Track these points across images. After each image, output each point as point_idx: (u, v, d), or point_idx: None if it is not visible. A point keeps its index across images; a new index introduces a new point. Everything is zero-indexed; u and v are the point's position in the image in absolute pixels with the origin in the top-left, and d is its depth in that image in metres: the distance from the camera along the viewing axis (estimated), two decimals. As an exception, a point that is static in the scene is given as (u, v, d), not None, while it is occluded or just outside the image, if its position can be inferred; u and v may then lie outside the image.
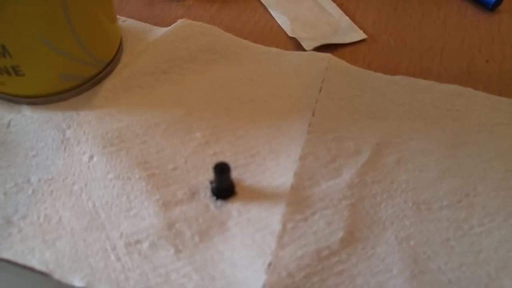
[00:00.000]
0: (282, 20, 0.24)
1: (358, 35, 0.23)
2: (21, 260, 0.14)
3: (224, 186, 0.16)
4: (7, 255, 0.14)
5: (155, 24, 0.23)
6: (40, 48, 0.17)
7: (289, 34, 0.23)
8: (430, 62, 0.22)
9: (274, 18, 0.24)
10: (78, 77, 0.19)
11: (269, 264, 0.14)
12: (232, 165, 0.17)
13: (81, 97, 0.19)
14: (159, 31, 0.22)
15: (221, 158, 0.17)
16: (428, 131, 0.18)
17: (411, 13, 0.25)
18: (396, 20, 0.25)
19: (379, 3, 0.26)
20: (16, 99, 0.19)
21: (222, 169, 0.15)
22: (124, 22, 0.23)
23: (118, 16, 0.22)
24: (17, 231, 0.15)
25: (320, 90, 0.20)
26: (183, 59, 0.21)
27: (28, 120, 0.18)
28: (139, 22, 0.23)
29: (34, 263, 0.14)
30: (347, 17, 0.24)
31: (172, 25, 0.22)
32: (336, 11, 0.25)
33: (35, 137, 0.18)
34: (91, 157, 0.17)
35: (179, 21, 0.22)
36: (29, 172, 0.17)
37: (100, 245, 0.15)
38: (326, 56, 0.21)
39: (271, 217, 0.15)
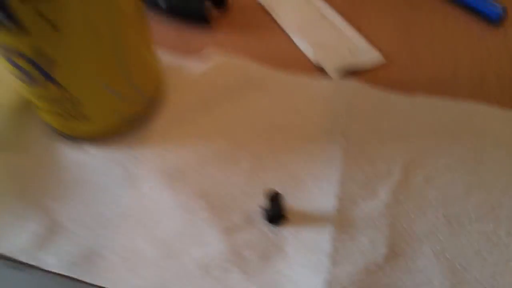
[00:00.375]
0: (304, 47, 0.26)
1: (376, 58, 0.25)
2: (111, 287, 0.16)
3: (276, 213, 0.18)
4: (99, 283, 0.16)
5: (185, 53, 0.25)
6: (101, 93, 0.19)
7: (313, 61, 0.25)
8: (444, 79, 0.24)
9: (295, 44, 0.26)
10: (132, 115, 0.21)
11: (328, 282, 0.16)
12: (280, 191, 0.19)
13: (137, 133, 0.21)
14: (196, 65, 0.24)
15: (269, 185, 0.19)
16: (451, 148, 0.20)
17: (422, 33, 0.27)
18: (410, 40, 0.27)
19: (392, 24, 0.28)
20: (83, 140, 0.21)
21: (275, 197, 0.17)
22: (160, 53, 0.25)
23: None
24: (102, 260, 0.17)
25: (347, 115, 0.22)
26: (223, 94, 0.23)
27: (95, 158, 0.20)
28: (173, 53, 0.25)
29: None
30: (364, 40, 0.26)
31: (210, 61, 0.24)
32: (353, 34, 0.27)
33: (103, 173, 0.20)
34: (154, 191, 0.19)
35: (214, 55, 0.24)
36: (102, 206, 0.19)
37: (176, 271, 0.17)
38: (350, 83, 0.23)
39: (322, 238, 0.17)
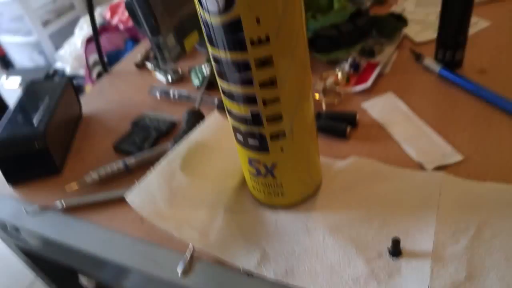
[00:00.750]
0: (410, 151, 0.40)
1: (458, 158, 0.38)
2: None
3: (396, 251, 0.31)
4: (297, 283, 0.31)
5: (331, 156, 0.40)
6: (296, 182, 0.35)
7: (415, 161, 0.39)
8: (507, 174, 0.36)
9: (403, 149, 0.40)
10: (309, 194, 0.36)
11: (429, 288, 0.28)
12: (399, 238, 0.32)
13: (310, 203, 0.36)
14: (339, 162, 0.39)
15: (392, 235, 0.33)
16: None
17: (493, 140, 0.39)
18: (483, 144, 0.39)
19: (469, 133, 0.40)
20: (278, 207, 0.37)
21: (396, 241, 0.31)
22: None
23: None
24: (295, 274, 0.32)
25: (439, 196, 0.35)
26: (358, 180, 0.37)
27: (286, 218, 0.36)
28: (325, 156, 0.41)
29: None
30: (449, 146, 0.39)
31: (349, 161, 0.39)
32: (438, 139, 0.40)
33: (291, 226, 0.35)
34: (323, 237, 0.34)
35: (352, 158, 0.40)
36: (292, 245, 0.34)
37: (338, 282, 0.30)
38: (441, 174, 0.36)
39: (424, 266, 0.30)
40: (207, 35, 0.26)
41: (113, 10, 2.15)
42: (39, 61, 2.74)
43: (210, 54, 0.28)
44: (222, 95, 0.30)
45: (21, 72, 2.59)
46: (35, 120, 0.46)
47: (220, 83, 0.29)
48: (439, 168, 0.37)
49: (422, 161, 0.38)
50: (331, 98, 0.48)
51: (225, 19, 0.24)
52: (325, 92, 0.49)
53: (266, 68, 0.26)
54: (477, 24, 0.55)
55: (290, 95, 0.29)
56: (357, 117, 0.43)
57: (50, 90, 0.51)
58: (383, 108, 0.45)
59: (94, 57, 2.03)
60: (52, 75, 2.49)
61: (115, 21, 2.12)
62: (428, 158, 0.38)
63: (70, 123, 0.52)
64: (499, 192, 0.34)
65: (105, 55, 2.08)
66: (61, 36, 2.64)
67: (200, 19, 0.26)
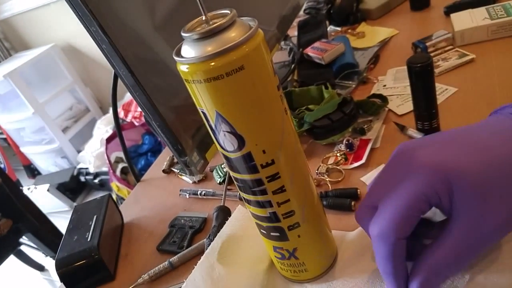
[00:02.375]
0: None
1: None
2: None
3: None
4: None
5: (341, 228, 0.48)
6: (317, 260, 0.42)
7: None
8: None
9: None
10: (328, 264, 0.43)
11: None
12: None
13: (331, 272, 0.43)
14: (348, 233, 0.46)
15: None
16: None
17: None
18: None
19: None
20: (303, 281, 0.43)
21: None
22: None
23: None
24: None
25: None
26: (367, 247, 0.44)
27: (313, 292, 0.42)
28: (335, 230, 0.48)
29: None
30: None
31: (355, 231, 0.46)
32: None
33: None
34: (345, 303, 0.40)
35: (359, 228, 0.47)
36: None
37: None
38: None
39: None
40: (227, 165, 0.35)
41: (126, 109, 2.33)
42: (63, 164, 2.91)
43: (232, 176, 0.36)
44: (244, 202, 0.38)
45: (47, 178, 2.75)
46: (88, 236, 0.54)
47: (242, 194, 0.37)
48: (434, 226, 0.44)
49: (419, 223, 0.45)
50: (334, 176, 0.56)
51: (240, 155, 0.33)
52: (328, 172, 0.57)
53: (275, 180, 0.35)
54: (447, 91, 0.64)
55: (298, 194, 0.37)
56: (358, 191, 0.51)
57: (95, 207, 0.60)
58: (379, 180, 0.53)
59: (115, 154, 2.18)
60: (77, 175, 2.65)
61: (129, 118, 2.29)
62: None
63: (116, 232, 0.61)
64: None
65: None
66: (81, 138, 2.84)
67: (221, 154, 0.35)
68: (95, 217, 0.57)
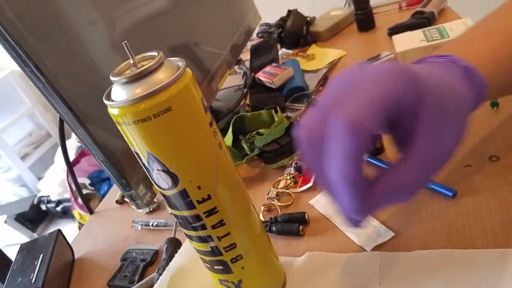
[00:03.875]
0: (352, 236, 0.48)
1: (390, 234, 0.47)
2: None
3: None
4: None
5: (290, 254, 0.48)
6: (265, 286, 0.42)
7: (358, 243, 0.47)
8: (442, 237, 0.44)
9: (347, 236, 0.49)
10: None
11: None
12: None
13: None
14: (297, 259, 0.47)
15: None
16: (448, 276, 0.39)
17: (415, 207, 0.48)
18: (408, 215, 0.48)
19: (395, 206, 0.49)
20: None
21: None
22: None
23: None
24: None
25: (381, 267, 0.42)
26: (314, 273, 0.45)
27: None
28: (284, 256, 0.49)
29: None
30: (380, 223, 0.48)
31: (302, 257, 0.47)
32: (373, 221, 0.49)
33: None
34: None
35: (307, 253, 0.48)
36: None
37: None
38: (378, 252, 0.44)
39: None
40: (165, 202, 0.35)
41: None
42: (22, 193, 2.80)
43: (171, 213, 0.37)
44: (186, 236, 0.38)
45: (5, 208, 2.63)
46: (32, 277, 0.53)
47: (183, 230, 0.37)
48: (377, 247, 0.46)
49: (363, 244, 0.46)
50: (284, 200, 0.57)
51: (175, 192, 0.33)
52: (279, 196, 0.58)
53: (213, 215, 0.35)
54: (390, 110, 0.66)
55: (238, 226, 0.37)
56: (307, 215, 0.52)
57: (43, 245, 0.58)
58: (326, 202, 0.54)
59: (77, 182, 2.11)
60: (37, 204, 2.55)
61: (91, 143, 2.23)
62: (367, 240, 0.47)
63: (65, 270, 0.59)
64: (425, 258, 0.42)
65: (88, 177, 2.14)
66: (42, 165, 2.75)
67: (159, 192, 0.35)
68: (41, 256, 0.55)
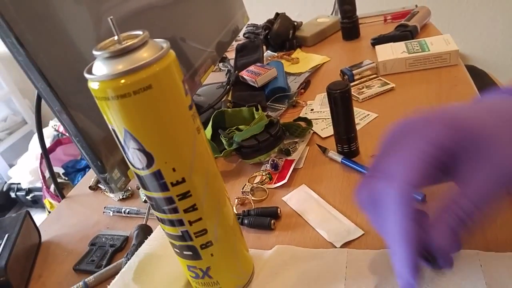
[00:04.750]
0: (322, 233, 0.49)
1: (359, 232, 0.48)
2: None
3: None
4: None
5: (259, 246, 0.49)
6: (232, 280, 0.42)
7: (328, 241, 0.48)
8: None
9: (317, 232, 0.49)
10: (243, 283, 0.44)
11: None
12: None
13: (245, 295, 0.44)
14: (267, 252, 0.48)
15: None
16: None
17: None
18: (378, 219, 0.49)
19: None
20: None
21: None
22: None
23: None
24: None
25: (348, 264, 0.43)
26: (283, 266, 0.45)
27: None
28: (254, 248, 0.49)
29: None
30: (350, 221, 0.49)
31: (272, 250, 0.48)
32: (344, 219, 0.50)
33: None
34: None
35: (276, 246, 0.48)
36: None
37: None
38: (346, 249, 0.45)
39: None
40: (139, 182, 0.35)
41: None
42: (-9, 180, 2.71)
43: (144, 194, 0.36)
44: (157, 220, 0.38)
45: (-26, 193, 2.55)
46: (-3, 257, 0.51)
47: (155, 213, 0.37)
48: (346, 244, 0.47)
49: (332, 240, 0.47)
50: (259, 195, 0.58)
51: (149, 172, 0.33)
52: (253, 191, 0.58)
53: (186, 199, 0.35)
54: (369, 116, 0.68)
55: (211, 213, 0.38)
56: (279, 210, 0.53)
57: (8, 225, 0.57)
58: (298, 199, 0.55)
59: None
60: (6, 191, 2.48)
61: (68, 132, 2.19)
62: (336, 237, 0.48)
63: (30, 252, 0.58)
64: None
65: (62, 166, 2.09)
66: (14, 152, 2.67)
67: (133, 172, 0.35)
68: (6, 235, 0.54)
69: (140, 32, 0.32)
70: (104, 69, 0.31)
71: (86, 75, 0.31)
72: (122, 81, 0.30)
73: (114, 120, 0.32)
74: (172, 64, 0.32)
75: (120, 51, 0.30)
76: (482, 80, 1.05)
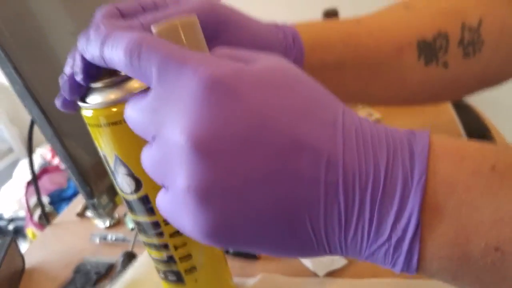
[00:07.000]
0: (306, 262, 0.50)
1: (343, 261, 0.48)
2: None
3: None
4: None
5: (245, 276, 0.49)
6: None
7: (311, 270, 0.49)
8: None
9: (301, 262, 0.50)
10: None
11: None
12: None
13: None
14: (250, 279, 0.48)
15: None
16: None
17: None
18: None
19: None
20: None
21: None
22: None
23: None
24: None
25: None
26: (266, 295, 0.46)
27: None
28: (238, 277, 0.49)
29: None
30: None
31: (256, 278, 0.48)
32: None
33: None
34: None
35: (260, 275, 0.49)
36: None
37: None
38: (329, 278, 0.46)
39: None
40: (127, 207, 0.36)
41: (54, 151, 2.22)
42: (-26, 208, 2.65)
43: (132, 219, 0.37)
44: (144, 245, 0.39)
45: (-45, 222, 2.48)
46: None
47: (142, 238, 0.38)
48: (330, 273, 0.47)
49: (316, 270, 0.48)
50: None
51: (137, 197, 0.35)
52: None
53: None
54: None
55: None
56: (264, 239, 0.53)
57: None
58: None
59: (35, 199, 2.04)
60: (-12, 220, 2.42)
61: (56, 161, 2.19)
62: (320, 266, 0.48)
63: (13, 280, 0.57)
64: (373, 286, 0.44)
65: (47, 195, 2.08)
66: (-1, 180, 2.63)
67: (121, 197, 0.36)
68: (-10, 260, 0.54)
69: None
70: (97, 98, 0.32)
71: (80, 104, 0.33)
72: (114, 109, 0.32)
73: (105, 146, 0.33)
74: (162, 94, 0.34)
75: (112, 82, 0.32)
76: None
